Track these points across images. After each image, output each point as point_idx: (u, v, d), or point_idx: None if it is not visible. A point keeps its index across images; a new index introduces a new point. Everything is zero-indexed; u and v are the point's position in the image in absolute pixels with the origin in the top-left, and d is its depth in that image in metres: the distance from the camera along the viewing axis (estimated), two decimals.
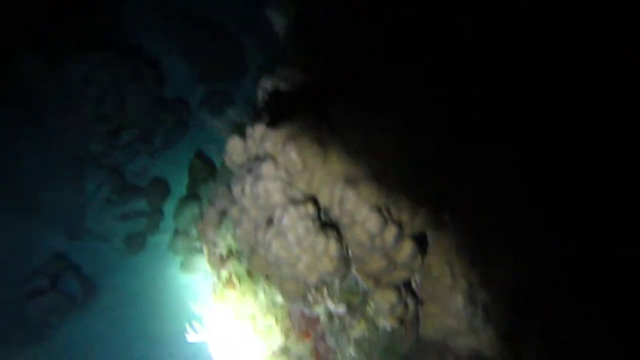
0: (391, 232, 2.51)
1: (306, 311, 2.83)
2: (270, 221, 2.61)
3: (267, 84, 3.25)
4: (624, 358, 2.91)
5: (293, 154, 2.55)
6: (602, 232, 3.02)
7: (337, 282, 2.69)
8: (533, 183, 3.02)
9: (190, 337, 3.54)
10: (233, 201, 2.84)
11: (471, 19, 3.11)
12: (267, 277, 2.88)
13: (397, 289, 2.71)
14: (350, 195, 2.49)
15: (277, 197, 2.57)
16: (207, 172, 6.46)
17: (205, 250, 3.42)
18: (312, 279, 2.57)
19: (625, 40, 3.07)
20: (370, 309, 2.74)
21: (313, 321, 2.85)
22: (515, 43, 3.13)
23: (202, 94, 7.42)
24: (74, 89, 6.99)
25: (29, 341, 6.11)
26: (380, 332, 2.76)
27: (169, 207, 6.89)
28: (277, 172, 2.59)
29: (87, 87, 6.97)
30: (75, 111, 6.99)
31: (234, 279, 3.12)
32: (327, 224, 2.58)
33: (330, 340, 2.84)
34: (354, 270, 2.69)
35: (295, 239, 2.49)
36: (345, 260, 2.60)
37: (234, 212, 2.81)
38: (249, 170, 2.71)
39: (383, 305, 2.67)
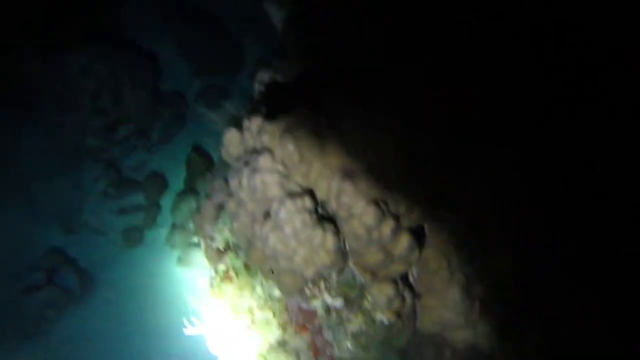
0: (388, 225, 2.50)
1: (303, 305, 2.83)
2: (267, 214, 2.60)
3: (264, 77, 3.23)
4: (624, 358, 2.93)
5: (290, 146, 2.54)
6: (602, 232, 3.02)
7: (334, 275, 2.68)
8: (533, 183, 3.03)
9: (188, 330, 3.53)
10: (230, 194, 2.83)
11: (471, 19, 3.09)
12: (265, 275, 2.87)
13: (394, 282, 2.71)
14: (348, 188, 2.48)
15: (274, 190, 2.56)
16: (205, 165, 6.44)
17: (202, 244, 3.41)
18: (309, 272, 2.56)
19: (625, 40, 3.06)
20: (367, 303, 2.74)
21: (310, 315, 2.85)
22: (515, 43, 3.12)
23: (199, 87, 7.40)
24: (70, 83, 6.95)
25: (26, 336, 6.11)
26: (377, 325, 2.76)
27: (167, 201, 6.88)
28: (274, 165, 2.58)
29: (84, 80, 6.93)
30: (72, 105, 6.95)
31: (232, 273, 3.12)
32: (324, 217, 2.58)
33: (328, 334, 2.85)
34: (351, 263, 2.68)
35: (292, 232, 2.48)
36: (342, 254, 2.59)
37: (231, 205, 2.80)
38: (246, 163, 2.70)
39: (380, 299, 2.67)
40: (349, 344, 2.82)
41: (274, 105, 2.88)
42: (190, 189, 6.65)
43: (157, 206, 6.93)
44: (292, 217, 2.47)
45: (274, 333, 2.99)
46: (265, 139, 2.65)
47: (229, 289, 3.11)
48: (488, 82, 3.04)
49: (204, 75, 7.42)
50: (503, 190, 2.98)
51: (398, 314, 2.76)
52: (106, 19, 7.44)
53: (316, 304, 2.77)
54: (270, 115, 2.72)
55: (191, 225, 6.26)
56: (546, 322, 3.03)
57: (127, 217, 6.76)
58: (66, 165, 7.04)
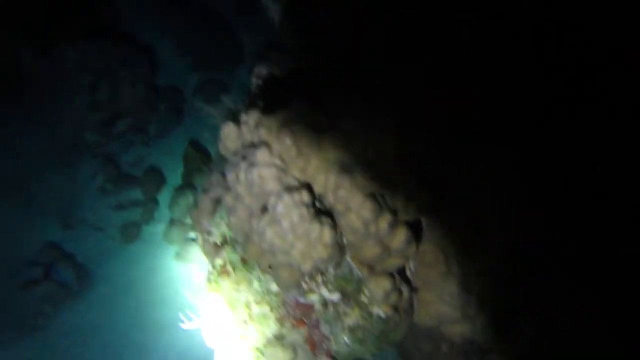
0: (385, 219, 2.51)
1: (301, 299, 2.83)
2: (264, 208, 2.60)
3: (262, 71, 3.22)
4: (624, 358, 2.94)
5: (288, 140, 2.53)
6: (602, 232, 3.03)
7: (331, 269, 2.69)
8: (533, 183, 3.03)
9: (185, 325, 3.54)
10: (227, 188, 2.83)
11: (471, 19, 3.09)
12: (262, 269, 2.87)
13: (392, 276, 2.71)
14: (345, 182, 2.48)
15: (272, 184, 2.55)
16: (203, 160, 6.42)
17: (199, 239, 3.41)
18: (307, 266, 2.56)
19: (625, 40, 3.06)
20: (364, 297, 2.75)
21: (307, 309, 2.86)
22: (515, 43, 3.12)
23: (196, 82, 7.36)
24: (67, 78, 6.90)
25: (24, 331, 6.09)
26: (374, 319, 2.77)
27: (164, 196, 6.85)
28: (272, 159, 2.58)
29: (81, 75, 6.88)
30: (69, 100, 6.92)
31: (229, 267, 3.11)
32: (322, 211, 2.58)
33: (325, 328, 2.85)
34: (348, 257, 2.69)
35: (290, 226, 2.48)
36: (339, 248, 2.59)
37: (228, 199, 2.79)
38: (244, 157, 2.69)
39: (377, 293, 2.68)
40: (346, 338, 2.83)
41: (272, 100, 2.88)
42: (188, 184, 6.62)
43: (155, 201, 6.90)
44: (290, 211, 2.47)
45: (271, 327, 2.99)
46: (263, 133, 2.64)
47: (226, 283, 3.11)
48: (488, 82, 3.04)
49: (201, 70, 7.38)
50: (503, 189, 2.99)
51: (395, 308, 2.76)
52: (103, 13, 7.39)
53: (313, 298, 2.78)
54: (268, 110, 2.72)
55: (189, 221, 6.25)
56: (546, 321, 3.04)
57: (124, 213, 6.73)
58: (63, 161, 7.00)
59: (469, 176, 2.94)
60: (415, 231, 2.72)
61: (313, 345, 2.95)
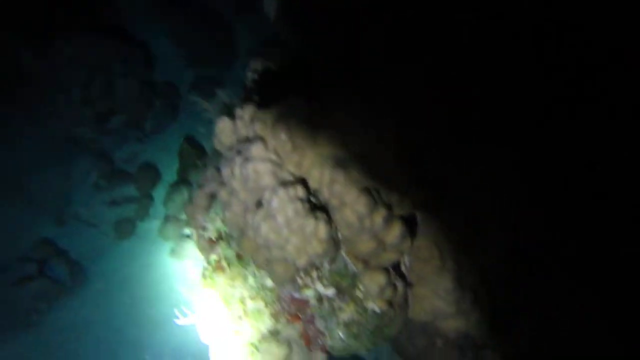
0: (380, 214, 2.50)
1: (296, 294, 2.83)
2: (259, 203, 2.59)
3: (257, 65, 3.21)
4: (624, 358, 2.96)
5: (283, 135, 2.53)
6: (602, 232, 3.05)
7: (326, 264, 2.68)
8: (533, 183, 3.04)
9: (180, 321, 3.53)
10: (222, 183, 2.82)
11: (471, 19, 3.09)
12: (257, 265, 2.86)
13: (386, 271, 2.71)
14: (340, 177, 2.47)
15: (267, 179, 2.55)
16: (198, 156, 6.40)
17: (194, 235, 3.39)
18: (302, 261, 2.56)
19: (625, 40, 3.07)
20: (359, 292, 2.75)
21: (302, 304, 2.85)
22: (515, 43, 3.13)
23: (192, 78, 7.33)
24: (60, 73, 6.85)
25: (17, 327, 6.06)
26: (369, 314, 2.77)
27: (159, 192, 6.83)
28: (267, 154, 2.57)
29: (75, 70, 6.83)
30: (63, 95, 6.86)
31: (224, 263, 3.11)
32: (317, 206, 2.57)
33: (320, 323, 2.85)
34: (343, 252, 2.69)
35: (285, 221, 2.48)
36: (334, 242, 2.59)
37: (223, 194, 2.78)
38: (239, 152, 2.68)
39: (372, 288, 2.68)
40: (340, 333, 2.82)
41: (267, 94, 2.87)
42: (183, 180, 6.61)
43: (150, 198, 6.88)
44: (285, 205, 2.46)
45: (266, 323, 2.99)
46: (258, 128, 2.63)
47: (221, 279, 3.10)
48: (488, 82, 3.05)
49: (197, 66, 7.35)
50: (503, 189, 3.00)
51: (390, 303, 2.77)
52: (97, 7, 7.34)
53: (308, 293, 2.78)
54: (263, 104, 2.71)
55: (184, 217, 6.24)
56: (546, 321, 3.05)
57: (118, 209, 6.70)
58: (57, 156, 6.96)
59: (469, 176, 2.94)
60: (410, 226, 2.72)
61: (308, 340, 2.95)
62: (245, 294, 3.03)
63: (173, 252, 6.32)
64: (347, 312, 2.77)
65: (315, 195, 2.61)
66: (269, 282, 2.92)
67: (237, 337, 3.06)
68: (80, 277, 6.39)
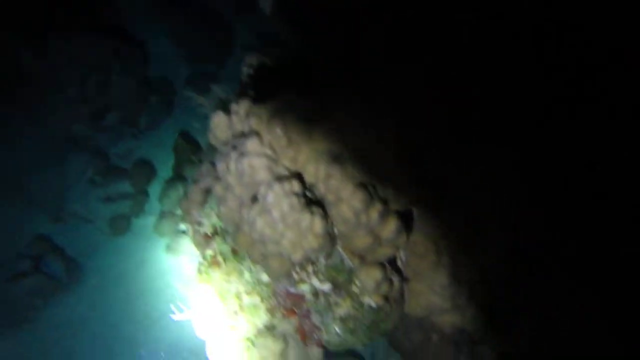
0: (376, 209, 2.50)
1: (291, 289, 2.82)
2: (255, 198, 2.58)
3: (253, 60, 3.19)
4: (624, 358, 2.97)
5: (278, 130, 2.51)
6: (602, 232, 3.06)
7: (322, 259, 2.68)
8: (533, 183, 3.05)
9: (176, 317, 3.52)
10: (217, 178, 2.81)
11: (471, 19, 3.09)
12: (253, 260, 2.86)
13: (383, 266, 2.72)
14: (336, 172, 2.47)
15: (262, 174, 2.54)
16: (193, 152, 6.37)
17: (189, 230, 3.38)
18: (297, 256, 2.55)
19: (625, 40, 3.08)
20: (355, 287, 2.75)
21: (298, 299, 2.85)
22: (515, 43, 3.13)
23: (187, 74, 7.29)
24: (56, 70, 6.80)
25: (13, 324, 6.05)
26: (365, 309, 2.77)
27: (155, 188, 6.80)
28: (262, 149, 2.56)
29: (70, 67, 6.78)
30: (58, 92, 6.82)
31: (219, 258, 3.10)
32: (312, 201, 2.57)
33: (316, 318, 2.85)
34: (339, 247, 2.68)
35: (280, 215, 2.47)
36: (330, 237, 2.59)
37: (218, 189, 2.77)
38: (234, 147, 2.67)
39: (368, 283, 2.68)
40: (336, 328, 2.83)
41: (263, 89, 2.85)
42: (178, 176, 6.58)
43: (145, 194, 6.85)
44: (280, 200, 2.46)
45: (261, 318, 2.99)
46: (253, 123, 2.62)
47: (217, 274, 3.10)
48: (488, 82, 3.05)
49: (192, 62, 7.32)
50: (502, 188, 3.00)
51: (386, 298, 2.77)
52: (96, 7, 7.29)
53: (304, 288, 2.77)
54: (259, 99, 2.69)
55: (179, 212, 6.22)
56: (546, 321, 3.07)
57: (114, 205, 6.67)
58: (53, 153, 6.92)
59: (469, 176, 2.95)
60: (407, 221, 2.72)
61: (304, 335, 2.95)
62: (241, 289, 3.02)
63: (168, 248, 6.30)
64: (343, 307, 2.77)
65: (311, 190, 2.60)
66: (264, 277, 2.92)
67: (233, 332, 3.05)
68: (75, 274, 6.37)
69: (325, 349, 3.03)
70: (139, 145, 7.12)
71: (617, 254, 3.05)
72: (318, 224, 2.47)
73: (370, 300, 2.75)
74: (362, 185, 2.48)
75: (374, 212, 2.50)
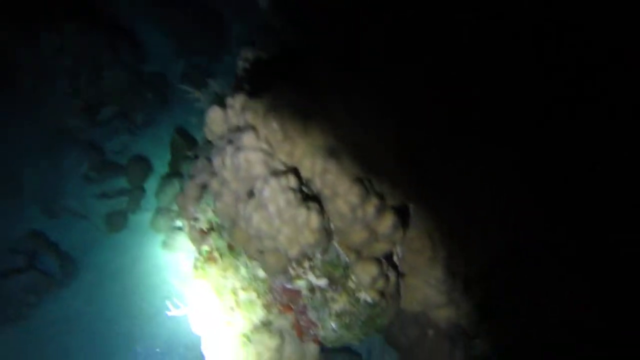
0: (372, 204, 2.49)
1: (288, 285, 2.82)
2: (251, 193, 2.57)
3: (249, 54, 3.17)
4: (614, 344, 2.99)
5: (274, 124, 2.50)
6: (591, 219, 3.07)
7: (318, 254, 2.67)
8: (533, 183, 3.06)
9: (172, 312, 3.51)
10: (213, 174, 2.79)
11: (471, 19, 3.08)
12: (249, 255, 2.85)
13: (379, 261, 2.71)
14: (332, 167, 2.46)
15: (258, 169, 2.52)
16: (189, 148, 6.34)
17: (185, 226, 3.37)
18: (294, 251, 2.54)
19: (625, 40, 3.08)
20: (351, 282, 2.74)
21: (295, 295, 2.85)
22: (515, 43, 3.12)
23: (183, 68, 7.25)
24: (48, 63, 6.74)
25: (8, 320, 6.02)
26: (361, 304, 2.77)
27: (151, 184, 6.77)
28: (258, 143, 2.54)
29: (62, 60, 6.72)
30: (50, 85, 6.76)
31: (215, 254, 3.09)
32: (309, 196, 2.55)
33: (312, 314, 2.85)
34: (335, 242, 2.68)
35: (276, 211, 2.46)
36: (326, 233, 2.58)
37: (214, 184, 2.75)
38: (230, 142, 2.65)
39: (364, 278, 2.67)
40: (333, 324, 2.82)
41: (259, 83, 2.83)
42: (174, 172, 6.55)
43: (141, 190, 6.82)
44: (276, 195, 2.44)
45: (258, 313, 2.98)
46: (249, 117, 2.60)
47: (213, 270, 3.09)
48: (488, 82, 3.04)
49: (188, 56, 7.27)
50: (500, 186, 3.01)
51: (382, 293, 2.77)
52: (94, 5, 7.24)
53: (300, 284, 2.77)
54: (254, 93, 2.67)
55: (176, 209, 6.19)
56: (535, 308, 3.08)
57: (110, 201, 6.63)
58: (47, 148, 6.87)
59: (468, 175, 2.95)
60: (403, 217, 2.71)
61: (300, 331, 2.94)
62: (237, 284, 3.01)
63: (165, 244, 6.28)
64: (340, 303, 2.76)
65: (307, 185, 2.59)
66: (261, 273, 2.91)
67: (229, 328, 3.05)
68: (70, 270, 6.33)
69: (322, 345, 3.03)
70: (135, 140, 7.08)
71: (605, 241, 3.07)
72: (314, 219, 2.45)
73: (366, 296, 2.75)
74: (359, 180, 2.47)
75: (371, 207, 2.49)
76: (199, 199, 3.15)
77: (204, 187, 3.13)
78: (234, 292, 3.02)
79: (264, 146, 2.55)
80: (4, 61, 6.70)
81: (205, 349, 3.17)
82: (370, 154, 2.55)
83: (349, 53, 3.06)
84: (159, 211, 6.50)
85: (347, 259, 2.69)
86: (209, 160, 2.94)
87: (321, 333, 2.90)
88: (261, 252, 2.69)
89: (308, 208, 2.46)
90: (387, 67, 2.97)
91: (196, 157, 3.45)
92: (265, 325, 3.00)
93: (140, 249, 6.37)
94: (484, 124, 3.02)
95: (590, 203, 3.12)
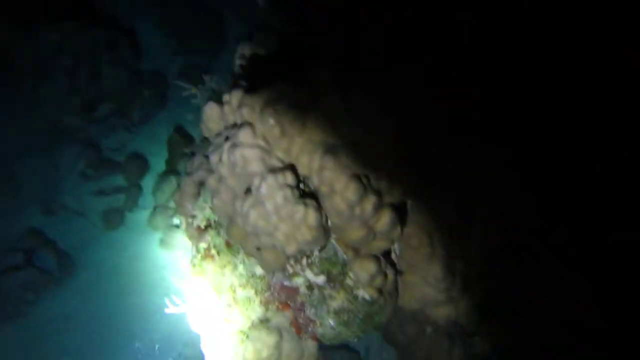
0: (370, 201, 2.48)
1: (286, 282, 2.81)
2: (248, 190, 2.56)
3: (246, 51, 3.15)
4: (614, 344, 2.99)
5: (271, 120, 2.48)
6: (591, 219, 3.06)
7: (316, 252, 2.66)
8: (533, 183, 3.05)
9: (170, 310, 3.50)
10: (210, 171, 2.78)
11: (471, 19, 3.07)
12: (247, 252, 2.84)
13: (377, 258, 2.70)
14: (330, 163, 2.44)
15: (255, 165, 2.51)
16: (187, 146, 6.33)
17: (183, 223, 3.36)
18: (291, 248, 2.53)
19: (625, 40, 3.07)
20: (349, 279, 2.74)
21: (292, 292, 2.84)
22: (515, 43, 3.12)
23: (180, 66, 7.23)
24: (46, 60, 6.72)
25: (6, 318, 6.01)
26: (359, 302, 2.76)
27: (148, 182, 6.76)
28: (255, 140, 2.53)
29: (60, 57, 6.70)
30: (49, 83, 6.74)
31: (213, 251, 3.08)
32: (306, 193, 2.54)
33: (310, 311, 2.84)
34: (333, 239, 2.67)
35: (274, 208, 2.45)
36: (324, 230, 2.57)
37: (211, 181, 2.74)
38: (226, 138, 2.64)
39: (362, 276, 2.67)
40: (331, 321, 2.82)
41: (256, 80, 2.81)
42: (172, 170, 6.54)
43: (138, 187, 6.81)
44: (274, 192, 2.43)
45: (256, 311, 2.97)
46: (246, 113, 2.58)
47: (211, 267, 3.08)
48: (488, 82, 3.04)
49: (185, 54, 7.26)
50: (499, 185, 3.01)
51: (380, 291, 2.76)
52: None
53: (298, 281, 2.76)
54: (251, 89, 2.66)
55: (173, 206, 6.18)
56: (535, 308, 3.08)
57: (107, 199, 6.62)
58: (44, 146, 6.86)
59: (468, 174, 2.95)
60: (401, 214, 2.70)
61: (298, 328, 2.94)
62: (235, 282, 3.01)
63: (162, 242, 6.27)
64: (338, 300, 2.76)
65: (304, 182, 2.58)
66: (258, 270, 2.90)
67: (228, 325, 3.04)
68: (68, 267, 6.33)
69: (320, 342, 3.02)
70: (133, 138, 7.07)
71: (605, 241, 3.07)
72: (312, 216, 2.44)
73: (364, 293, 2.74)
74: (356, 177, 2.46)
75: (368, 205, 2.48)
76: (196, 196, 3.14)
77: (201, 184, 3.11)
78: (232, 290, 3.02)
79: (261, 143, 2.53)
80: (3, 60, 6.67)
81: (203, 346, 3.16)
82: (368, 152, 2.54)
83: (349, 53, 3.05)
84: (157, 209, 6.50)
85: (344, 256, 2.69)
86: (206, 157, 2.93)
87: (319, 330, 2.89)
88: (259, 249, 2.68)
89: (305, 205, 2.45)
90: (387, 67, 2.96)
91: (193, 154, 3.43)
92: (264, 322, 2.99)
93: (138, 246, 6.37)
94: (484, 124, 3.01)
95: (591, 203, 3.12)
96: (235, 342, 3.01)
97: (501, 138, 3.04)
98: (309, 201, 2.47)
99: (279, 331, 2.97)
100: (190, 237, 3.25)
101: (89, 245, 6.49)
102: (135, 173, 6.82)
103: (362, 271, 2.66)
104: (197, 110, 3.60)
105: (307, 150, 2.51)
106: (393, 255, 2.89)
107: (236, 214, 2.62)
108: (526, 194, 3.08)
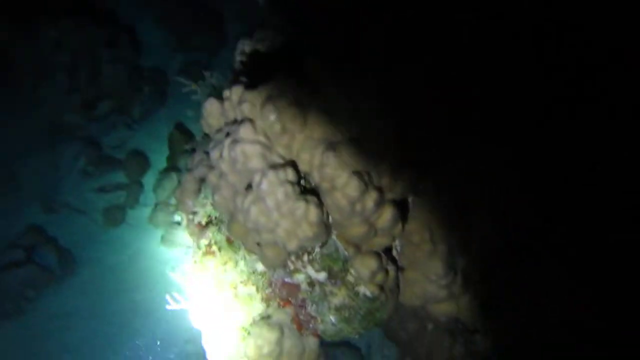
0: (371, 197, 2.47)
1: (287, 278, 2.81)
2: (249, 186, 2.55)
3: (246, 47, 3.14)
4: (613, 344, 2.99)
5: (272, 116, 2.47)
6: (591, 219, 3.06)
7: (317, 248, 2.66)
8: (533, 183, 3.05)
9: (171, 306, 3.51)
10: (211, 167, 2.77)
11: (471, 19, 3.06)
12: (248, 249, 2.84)
13: (378, 255, 2.70)
14: (331, 160, 2.43)
15: (256, 161, 2.50)
16: (187, 142, 6.33)
17: (184, 219, 3.35)
18: (292, 245, 2.53)
19: (625, 40, 3.06)
20: (350, 276, 2.73)
21: (294, 288, 2.84)
22: (515, 43, 3.11)
23: (180, 63, 7.23)
24: (45, 58, 6.71)
25: (6, 315, 6.02)
26: (360, 298, 2.76)
27: (149, 179, 6.77)
28: (256, 136, 2.52)
29: (60, 55, 6.70)
30: (49, 81, 6.74)
31: (214, 248, 3.08)
32: (307, 189, 2.54)
33: (311, 308, 2.84)
34: (334, 236, 2.66)
35: (275, 204, 2.44)
36: (325, 226, 2.56)
37: (212, 177, 2.73)
38: (227, 134, 2.63)
39: (363, 272, 2.66)
40: (332, 318, 2.82)
41: (256, 75, 2.80)
42: (173, 167, 6.54)
43: (139, 184, 6.82)
44: (274, 188, 2.42)
45: (257, 307, 2.97)
46: (246, 109, 2.57)
47: (212, 263, 3.07)
48: (488, 82, 3.03)
49: (185, 51, 7.26)
50: (499, 185, 3.00)
51: (381, 287, 2.76)
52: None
53: (300, 278, 2.76)
54: (251, 84, 2.65)
55: (174, 203, 6.19)
56: (535, 308, 3.08)
57: (108, 196, 6.64)
58: (45, 143, 6.87)
59: (468, 174, 2.94)
60: (402, 210, 2.70)
61: (299, 324, 2.94)
62: (236, 278, 3.00)
63: (163, 238, 6.28)
64: (339, 297, 2.75)
65: (305, 178, 2.57)
66: (259, 267, 2.90)
67: (229, 322, 3.04)
68: (69, 265, 6.34)
69: (321, 338, 3.02)
70: (133, 135, 7.07)
71: (605, 241, 3.07)
72: (313, 213, 2.44)
73: (365, 290, 2.74)
74: (358, 174, 2.45)
75: (369, 201, 2.47)
76: (197, 192, 3.13)
77: (202, 181, 3.11)
78: (233, 286, 3.01)
79: (262, 139, 2.53)
80: (3, 60, 6.67)
81: (205, 343, 3.16)
82: (369, 149, 2.53)
83: (349, 53, 3.04)
84: (157, 206, 6.50)
85: (346, 252, 2.68)
86: (207, 153, 2.92)
87: (320, 327, 2.89)
88: (260, 245, 2.67)
89: (306, 201, 2.44)
90: (387, 67, 2.96)
91: (194, 150, 3.43)
92: (265, 318, 2.99)
93: (139, 243, 6.37)
94: (484, 124, 3.01)
95: (590, 203, 3.11)
96: (237, 338, 3.02)
97: (501, 138, 3.04)
98: (310, 197, 2.47)
99: (280, 328, 2.97)
100: (191, 234, 3.24)
101: (90, 242, 6.50)
102: (136, 170, 6.82)
103: (364, 268, 2.66)
104: (198, 107, 3.59)
105: (308, 146, 2.51)
106: (394, 252, 2.89)
107: (237, 210, 2.62)
108: (526, 194, 3.08)
